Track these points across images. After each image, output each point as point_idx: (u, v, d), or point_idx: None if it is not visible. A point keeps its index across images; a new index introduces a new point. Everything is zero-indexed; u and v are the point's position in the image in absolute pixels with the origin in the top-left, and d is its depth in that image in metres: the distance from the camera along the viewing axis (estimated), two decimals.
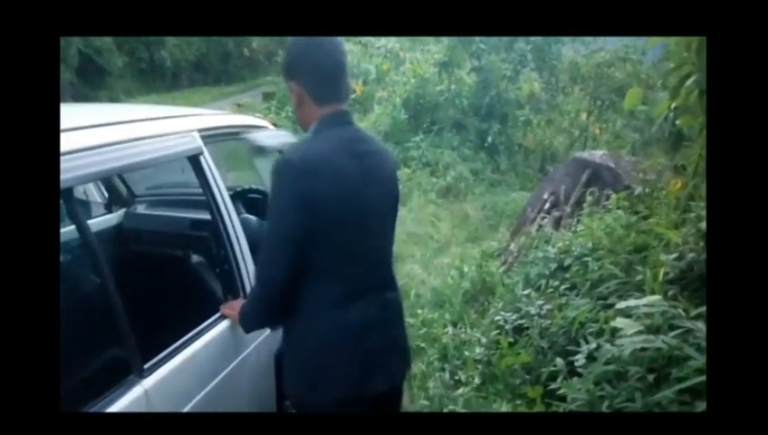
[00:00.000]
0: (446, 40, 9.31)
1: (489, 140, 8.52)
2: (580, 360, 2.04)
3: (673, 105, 2.24)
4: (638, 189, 3.30)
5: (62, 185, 1.28)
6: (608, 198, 3.62)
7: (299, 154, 1.46)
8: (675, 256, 2.12)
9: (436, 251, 5.77)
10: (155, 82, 16.17)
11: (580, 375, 1.99)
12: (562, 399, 1.99)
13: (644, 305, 1.65)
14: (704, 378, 1.43)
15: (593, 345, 2.03)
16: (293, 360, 1.55)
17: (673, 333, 1.59)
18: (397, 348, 1.60)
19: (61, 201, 1.42)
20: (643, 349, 1.67)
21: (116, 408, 1.37)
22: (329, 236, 1.43)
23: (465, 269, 4.50)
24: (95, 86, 13.18)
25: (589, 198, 3.88)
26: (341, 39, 1.55)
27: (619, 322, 1.66)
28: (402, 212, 6.77)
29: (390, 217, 1.62)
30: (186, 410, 1.61)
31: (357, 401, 1.50)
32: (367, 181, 1.48)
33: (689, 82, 2.00)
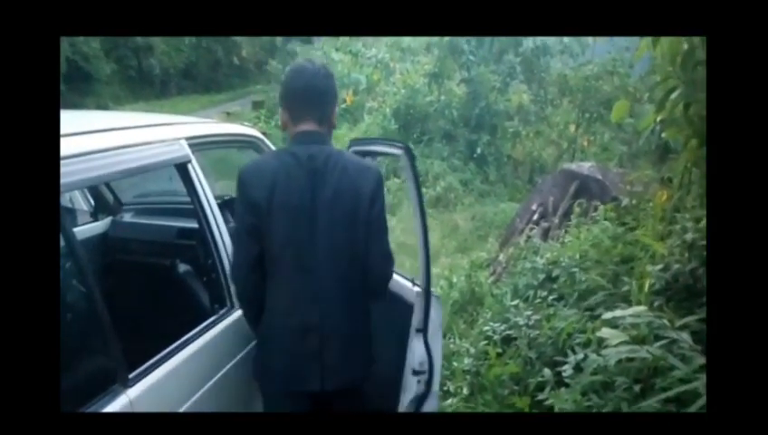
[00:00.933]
0: (436, 51, 9.37)
1: (478, 151, 8.57)
2: (567, 370, 2.05)
3: (659, 118, 2.26)
4: (626, 201, 3.33)
5: None
6: (595, 209, 3.64)
7: (250, 164, 1.72)
8: (660, 267, 2.13)
9: None
10: (143, 89, 16.11)
11: (567, 386, 2.00)
12: (550, 409, 1.99)
13: (630, 316, 1.66)
14: (687, 387, 1.44)
15: (581, 356, 2.03)
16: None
17: (658, 344, 1.60)
18: (333, 356, 1.67)
19: None
20: (629, 359, 1.68)
21: None
22: (271, 241, 1.63)
23: (455, 279, 4.50)
24: (83, 93, 13.10)
25: (577, 210, 3.90)
26: (325, 70, 1.73)
27: (604, 332, 1.66)
28: (392, 222, 6.74)
29: (344, 237, 1.65)
30: None
31: (290, 396, 1.71)
32: (314, 197, 1.62)
33: (675, 95, 2.02)
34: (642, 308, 1.69)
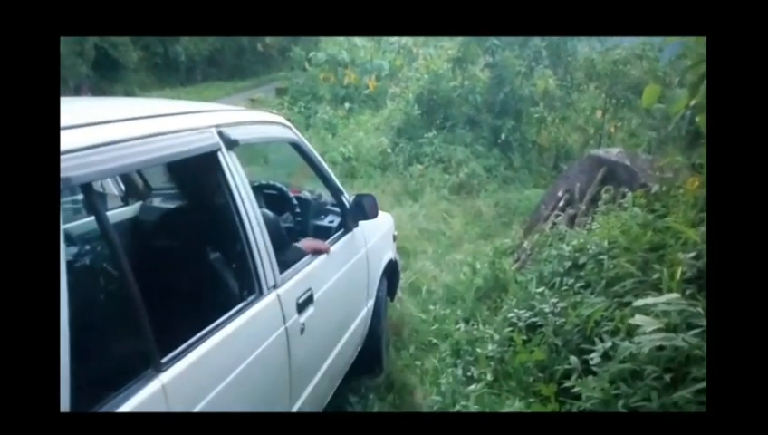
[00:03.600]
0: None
1: (503, 136, 8.47)
2: (594, 358, 2.03)
3: (691, 103, 2.21)
4: (655, 187, 3.27)
5: (82, 180, 1.29)
6: (623, 196, 3.59)
7: None
8: (693, 254, 2.10)
9: (448, 247, 5.75)
10: (169, 76, 16.26)
11: (594, 374, 1.98)
12: (577, 397, 1.98)
13: (662, 303, 1.64)
14: None
15: (608, 344, 2.02)
16: None
17: (691, 332, 1.58)
18: None
19: (81, 195, 1.42)
20: (660, 348, 1.66)
21: (133, 402, 1.35)
22: None
23: (478, 266, 4.49)
24: (111, 79, 13.31)
25: (604, 196, 3.85)
26: None
27: (638, 319, 1.65)
28: (414, 208, 6.81)
29: None
30: (203, 404, 1.59)
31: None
32: None
33: None
34: (675, 296, 1.67)
